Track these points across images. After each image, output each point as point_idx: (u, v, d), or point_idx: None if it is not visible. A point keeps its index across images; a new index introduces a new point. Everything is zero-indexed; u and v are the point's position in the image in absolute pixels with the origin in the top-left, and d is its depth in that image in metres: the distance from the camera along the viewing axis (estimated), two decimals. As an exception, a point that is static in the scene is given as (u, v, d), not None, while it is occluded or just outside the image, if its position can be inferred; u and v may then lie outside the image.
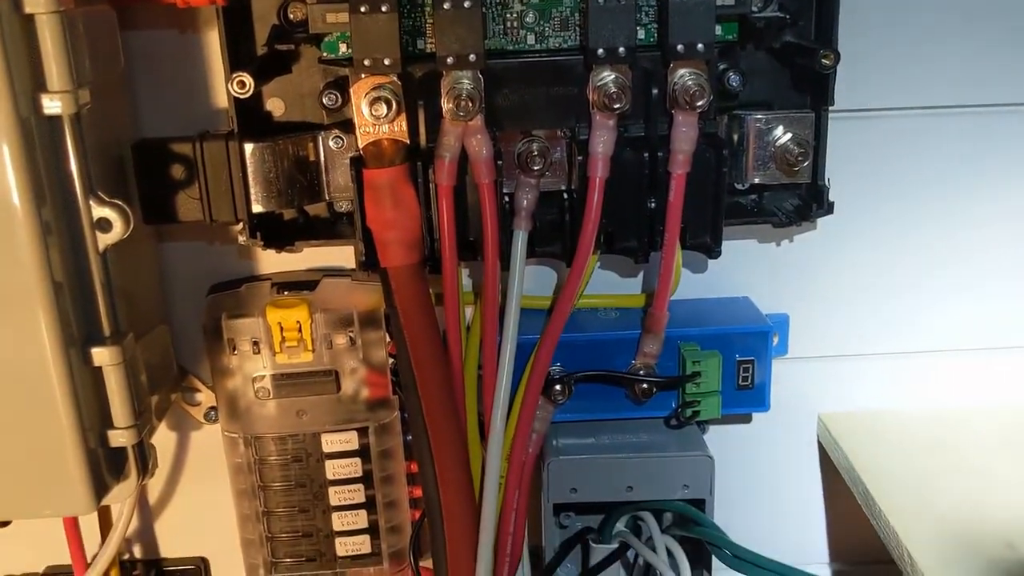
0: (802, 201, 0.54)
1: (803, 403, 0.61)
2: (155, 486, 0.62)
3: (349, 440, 0.55)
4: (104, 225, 0.43)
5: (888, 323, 0.60)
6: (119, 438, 0.46)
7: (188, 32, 0.52)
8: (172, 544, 0.63)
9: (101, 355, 0.44)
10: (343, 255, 0.57)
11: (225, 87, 0.48)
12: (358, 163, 0.48)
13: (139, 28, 0.52)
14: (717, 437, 0.61)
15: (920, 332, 0.60)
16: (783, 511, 0.64)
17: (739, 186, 0.53)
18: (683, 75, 0.48)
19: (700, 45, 0.47)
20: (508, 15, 0.49)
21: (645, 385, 0.54)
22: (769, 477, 0.63)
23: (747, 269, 0.59)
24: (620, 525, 0.56)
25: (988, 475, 0.56)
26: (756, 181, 0.52)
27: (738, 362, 0.55)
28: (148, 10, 0.51)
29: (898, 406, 0.62)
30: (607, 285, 0.58)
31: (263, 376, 0.53)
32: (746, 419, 0.62)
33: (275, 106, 0.52)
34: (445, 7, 0.46)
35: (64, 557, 0.55)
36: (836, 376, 0.61)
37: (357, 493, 0.56)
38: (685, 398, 0.54)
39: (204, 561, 0.64)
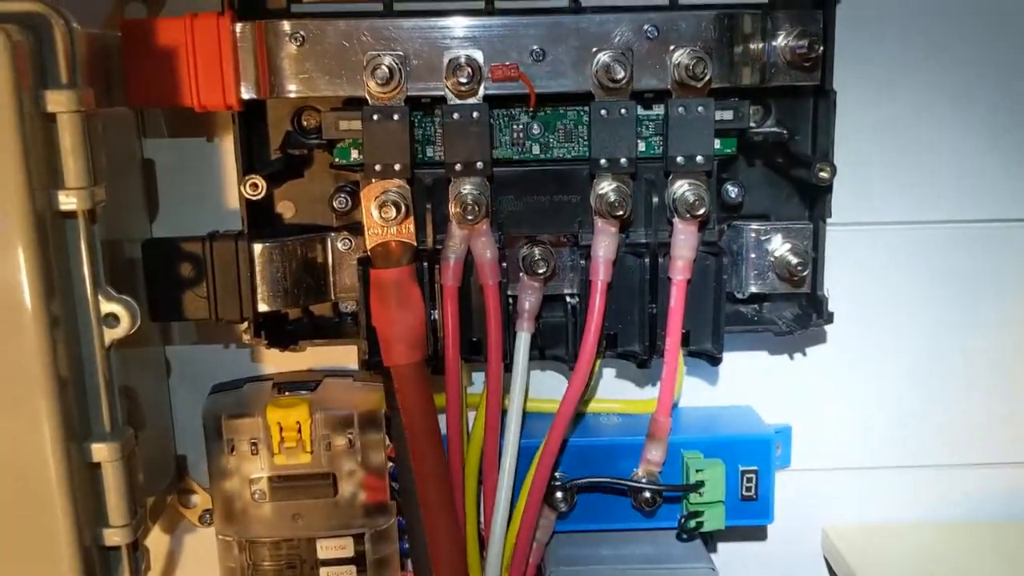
0: (802, 311, 0.54)
1: (808, 515, 0.60)
2: (146, 591, 0.60)
3: (344, 546, 0.54)
4: (111, 320, 0.44)
5: (893, 436, 0.60)
6: (114, 537, 0.45)
7: (208, 138, 0.54)
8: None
9: (100, 451, 0.44)
10: (347, 355, 0.57)
11: (238, 189, 0.49)
12: (366, 263, 0.49)
13: (161, 135, 0.54)
14: (721, 550, 0.60)
15: (925, 446, 0.60)
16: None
17: (739, 295, 0.54)
18: (682, 185, 0.49)
19: (699, 157, 0.49)
20: (515, 126, 0.51)
21: (648, 494, 0.53)
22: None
23: (753, 380, 0.59)
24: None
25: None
26: (754, 290, 0.53)
27: (741, 471, 0.54)
28: (170, 117, 0.54)
29: (903, 519, 0.60)
30: (620, 394, 0.58)
31: (260, 478, 0.53)
32: (751, 531, 0.61)
33: (286, 208, 0.54)
34: (454, 117, 0.47)
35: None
36: (841, 488, 0.60)
37: (352, 603, 0.54)
38: (689, 508, 0.54)
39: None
